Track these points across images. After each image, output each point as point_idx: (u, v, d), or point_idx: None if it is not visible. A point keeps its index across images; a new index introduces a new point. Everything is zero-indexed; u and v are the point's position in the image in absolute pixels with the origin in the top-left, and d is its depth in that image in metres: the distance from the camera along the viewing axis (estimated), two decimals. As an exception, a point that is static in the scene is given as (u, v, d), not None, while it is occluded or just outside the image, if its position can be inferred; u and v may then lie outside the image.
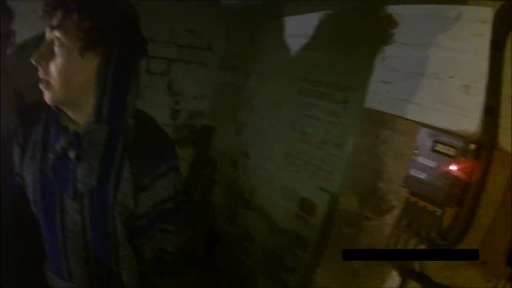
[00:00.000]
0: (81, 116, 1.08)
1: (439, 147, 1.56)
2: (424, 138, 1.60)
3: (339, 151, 1.95)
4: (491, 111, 1.47)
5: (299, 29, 2.32)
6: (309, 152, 2.12)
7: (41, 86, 1.02)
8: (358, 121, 1.88)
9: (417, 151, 1.60)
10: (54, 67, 0.99)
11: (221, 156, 3.03)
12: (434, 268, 1.70)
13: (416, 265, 1.72)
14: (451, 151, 1.54)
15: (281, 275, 2.42)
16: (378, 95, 1.84)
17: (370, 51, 1.89)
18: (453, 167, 1.53)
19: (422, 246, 1.68)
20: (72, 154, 1.08)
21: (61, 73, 0.99)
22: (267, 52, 2.62)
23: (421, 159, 1.59)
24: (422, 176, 1.59)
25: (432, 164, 1.57)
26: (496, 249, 1.51)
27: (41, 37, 1.03)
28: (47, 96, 1.03)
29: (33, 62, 0.99)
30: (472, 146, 1.49)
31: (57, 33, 0.97)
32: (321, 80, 2.09)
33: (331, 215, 1.99)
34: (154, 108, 2.87)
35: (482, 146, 1.48)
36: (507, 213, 1.52)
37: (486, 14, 1.44)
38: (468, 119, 1.55)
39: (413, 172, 1.61)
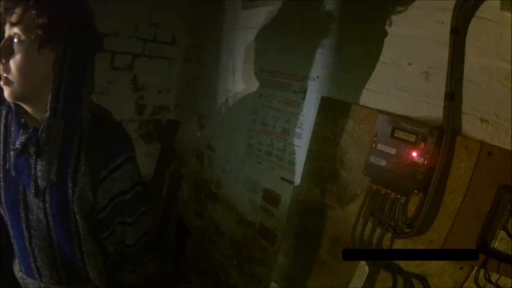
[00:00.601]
0: (39, 111, 1.06)
1: (399, 134, 1.47)
2: (383, 125, 1.50)
3: (300, 141, 1.83)
4: (452, 97, 1.39)
5: (257, 20, 2.20)
6: (271, 143, 2.02)
7: (1, 83, 1.01)
8: (317, 111, 1.75)
9: (376, 139, 1.48)
10: (13, 64, 0.99)
11: (187, 150, 2.90)
12: None
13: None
14: (411, 138, 1.45)
15: (251, 268, 2.33)
16: (337, 83, 1.74)
17: (327, 39, 1.78)
18: (413, 154, 1.44)
19: (388, 235, 1.58)
20: (32, 151, 1.05)
21: (20, 69, 0.99)
22: (227, 44, 2.49)
23: (380, 146, 1.48)
24: (383, 163, 1.48)
25: (392, 151, 1.46)
26: (466, 236, 1.46)
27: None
28: (6, 93, 1.02)
29: None
30: (433, 132, 1.40)
31: (16, 30, 0.97)
32: (280, 70, 1.97)
33: (295, 206, 1.87)
34: (120, 103, 2.79)
35: (444, 132, 1.40)
36: (474, 200, 1.45)
37: (447, 2, 1.37)
38: (428, 106, 1.48)
39: (373, 160, 1.50)
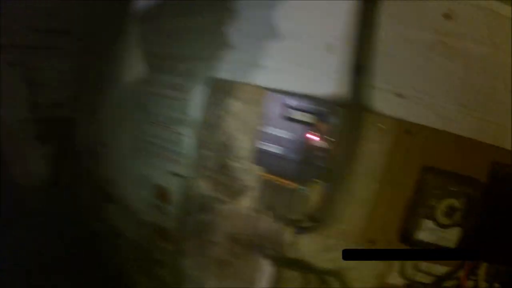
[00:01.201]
0: None
1: (293, 114, 1.22)
2: (273, 105, 1.26)
3: (187, 130, 1.53)
4: (361, 70, 1.18)
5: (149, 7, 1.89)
6: (156, 133, 1.71)
7: None
8: (204, 94, 1.46)
9: (266, 121, 1.19)
10: None
11: (82, 149, 2.47)
12: (312, 252, 1.41)
13: (291, 250, 1.42)
14: (309, 118, 1.21)
15: (155, 271, 2.01)
16: (227, 62, 1.46)
17: (216, 14, 1.51)
18: (312, 137, 1.20)
19: (289, 230, 1.36)
20: None
21: None
22: (119, 31, 2.12)
23: (271, 130, 1.19)
24: (274, 149, 1.20)
25: (285, 134, 1.18)
26: (386, 226, 1.29)
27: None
28: None
29: None
30: (336, 110, 1.18)
31: None
32: (166, 52, 1.63)
33: (187, 202, 1.58)
34: (10, 101, 2.33)
35: (351, 110, 1.19)
36: (392, 184, 1.27)
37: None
38: (331, 81, 1.24)
39: (263, 146, 1.21)
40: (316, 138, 1.19)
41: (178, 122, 1.58)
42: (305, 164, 1.22)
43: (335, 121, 1.17)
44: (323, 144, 1.19)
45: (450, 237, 1.16)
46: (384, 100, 1.23)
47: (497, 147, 1.27)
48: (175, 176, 1.64)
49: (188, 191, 1.58)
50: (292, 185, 1.28)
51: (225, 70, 1.44)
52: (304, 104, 1.20)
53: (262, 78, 1.35)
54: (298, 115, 1.21)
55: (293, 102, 1.21)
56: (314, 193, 1.30)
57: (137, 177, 1.89)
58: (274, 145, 1.24)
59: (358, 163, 1.25)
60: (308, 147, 1.20)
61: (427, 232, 1.17)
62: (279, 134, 1.23)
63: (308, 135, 1.20)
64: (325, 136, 1.18)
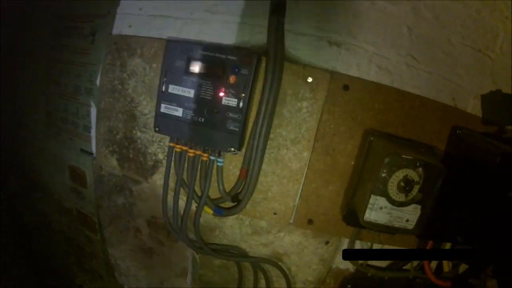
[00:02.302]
0: None
1: (197, 67, 0.96)
2: (173, 58, 0.99)
3: (92, 99, 1.23)
4: (280, 11, 0.91)
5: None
6: (65, 106, 1.40)
7: None
8: (104, 55, 1.18)
9: (165, 78, 0.89)
10: None
11: (5, 134, 2.12)
12: (241, 236, 1.18)
13: (216, 235, 1.19)
14: (216, 70, 0.94)
15: (88, 263, 1.75)
16: (128, 16, 1.17)
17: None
18: (220, 93, 0.95)
19: (208, 210, 1.09)
20: None
21: None
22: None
23: (173, 89, 0.90)
24: (179, 112, 0.89)
25: (189, 93, 0.88)
26: (323, 203, 1.07)
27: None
28: None
29: None
30: (249, 59, 0.92)
31: None
32: (71, 12, 1.30)
33: (99, 184, 1.29)
34: None
35: (270, 60, 0.92)
36: (329, 152, 1.02)
37: None
38: (246, 26, 1.00)
39: (166, 109, 0.91)
40: (225, 95, 0.90)
41: (86, 91, 1.28)
42: (216, 130, 0.93)
43: (249, 74, 0.88)
44: (235, 103, 0.91)
45: (407, 216, 0.88)
46: (314, 49, 0.98)
47: (457, 109, 1.01)
48: (86, 154, 1.33)
49: (98, 171, 1.28)
50: (206, 156, 1.00)
51: (128, 25, 1.13)
52: (208, 52, 0.90)
53: (168, 30, 1.06)
54: (202, 68, 0.91)
55: (199, 53, 0.92)
56: (235, 165, 1.02)
57: (53, 158, 1.56)
58: (180, 108, 0.96)
59: (283, 126, 0.97)
60: (216, 107, 0.92)
61: (379, 212, 0.89)
62: (184, 93, 0.95)
63: (216, 92, 0.91)
64: (237, 93, 0.89)
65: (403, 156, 0.85)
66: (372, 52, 0.98)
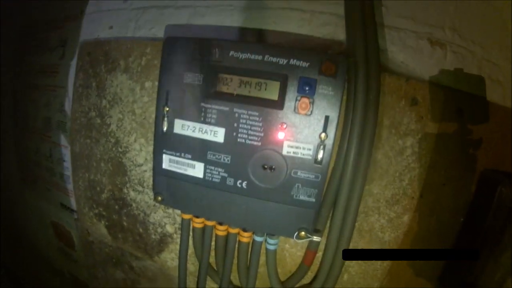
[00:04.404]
0: None
1: (236, 84, 0.46)
2: (185, 70, 0.48)
3: (65, 136, 0.75)
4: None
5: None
6: (36, 146, 0.93)
7: None
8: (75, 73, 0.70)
9: (168, 108, 0.39)
10: None
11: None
12: None
13: None
14: (272, 89, 0.45)
15: None
16: (108, 13, 0.69)
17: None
18: (283, 134, 0.46)
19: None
20: None
21: None
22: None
23: (184, 127, 0.39)
24: (198, 171, 0.43)
25: (218, 134, 0.47)
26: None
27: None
28: None
29: None
30: (334, 68, 0.41)
31: None
32: (38, 19, 0.86)
33: (89, 252, 0.85)
34: None
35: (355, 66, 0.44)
36: (431, 219, 0.58)
37: None
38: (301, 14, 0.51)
39: (171, 164, 0.43)
40: (296, 140, 0.40)
41: (58, 126, 0.80)
42: (274, 200, 0.43)
43: (336, 94, 0.39)
44: (313, 151, 0.40)
45: None
46: (410, 51, 0.52)
47: None
48: (66, 210, 0.84)
49: (85, 237, 0.79)
50: (245, 236, 0.49)
51: (110, 26, 0.63)
52: (258, 58, 0.41)
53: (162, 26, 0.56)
54: (246, 86, 0.42)
55: (231, 57, 0.42)
56: (296, 247, 0.53)
57: (33, 210, 1.08)
58: (199, 163, 0.46)
59: (376, 180, 0.48)
60: (276, 159, 0.41)
61: None
62: (206, 136, 0.45)
63: (276, 133, 0.40)
64: (315, 132, 0.39)
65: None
66: (480, 57, 0.51)
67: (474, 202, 0.55)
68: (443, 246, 0.59)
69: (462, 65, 0.52)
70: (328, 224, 0.51)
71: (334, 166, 0.48)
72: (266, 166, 0.44)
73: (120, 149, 0.62)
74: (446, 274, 0.59)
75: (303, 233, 0.46)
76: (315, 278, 0.55)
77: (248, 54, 0.43)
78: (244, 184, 0.46)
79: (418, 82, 0.49)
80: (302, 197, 0.44)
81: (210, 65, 0.44)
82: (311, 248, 0.54)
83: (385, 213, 0.54)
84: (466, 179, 0.54)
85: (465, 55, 0.52)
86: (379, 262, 0.58)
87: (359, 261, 0.59)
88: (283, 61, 0.41)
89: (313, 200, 0.44)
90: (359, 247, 0.57)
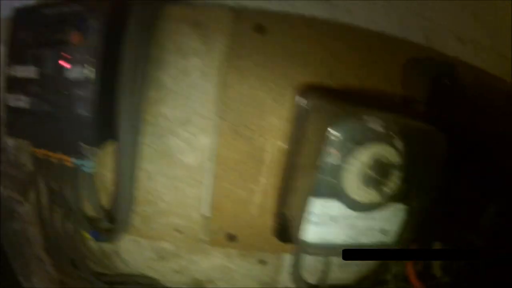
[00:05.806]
0: None
1: (40, 33, 0.57)
2: (23, 30, 0.59)
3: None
4: None
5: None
6: None
7: None
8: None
9: (10, 59, 0.56)
10: None
11: None
12: (146, 262, 0.76)
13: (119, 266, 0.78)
14: (57, 31, 0.56)
15: None
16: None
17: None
18: (64, 63, 0.54)
19: (85, 234, 0.70)
20: None
21: None
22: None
23: (17, 70, 0.51)
24: (25, 103, 0.50)
25: (34, 71, 0.58)
26: (246, 212, 0.66)
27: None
28: None
29: None
30: (97, 3, 0.53)
31: None
32: None
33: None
34: None
35: None
36: (239, 142, 0.60)
37: None
38: None
39: (13, 101, 0.59)
40: (73, 66, 0.53)
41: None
42: (65, 118, 0.55)
43: (100, 25, 0.52)
44: (82, 72, 0.52)
45: (382, 224, 0.47)
46: None
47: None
48: None
49: None
50: (67, 159, 0.61)
51: None
52: (54, 11, 0.54)
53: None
54: (44, 33, 0.54)
55: (41, 15, 0.55)
56: (104, 170, 0.64)
57: None
58: (26, 97, 0.57)
59: (165, 101, 0.60)
60: (63, 83, 0.54)
61: (330, 227, 0.47)
62: (29, 74, 0.56)
63: (60, 63, 0.53)
64: (85, 58, 0.52)
65: (367, 121, 0.42)
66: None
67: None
68: (266, 171, 0.63)
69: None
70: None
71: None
72: (60, 91, 0.56)
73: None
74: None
75: (82, 144, 0.57)
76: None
77: (50, 10, 0.56)
78: (50, 108, 0.57)
79: (206, 7, 0.55)
80: (79, 112, 0.55)
81: (34, 24, 0.56)
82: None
83: (180, 135, 0.61)
84: (275, 98, 0.59)
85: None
86: (190, 187, 0.66)
87: (170, 188, 0.66)
88: (68, 9, 0.54)
89: (87, 114, 0.55)
90: (164, 171, 0.64)
